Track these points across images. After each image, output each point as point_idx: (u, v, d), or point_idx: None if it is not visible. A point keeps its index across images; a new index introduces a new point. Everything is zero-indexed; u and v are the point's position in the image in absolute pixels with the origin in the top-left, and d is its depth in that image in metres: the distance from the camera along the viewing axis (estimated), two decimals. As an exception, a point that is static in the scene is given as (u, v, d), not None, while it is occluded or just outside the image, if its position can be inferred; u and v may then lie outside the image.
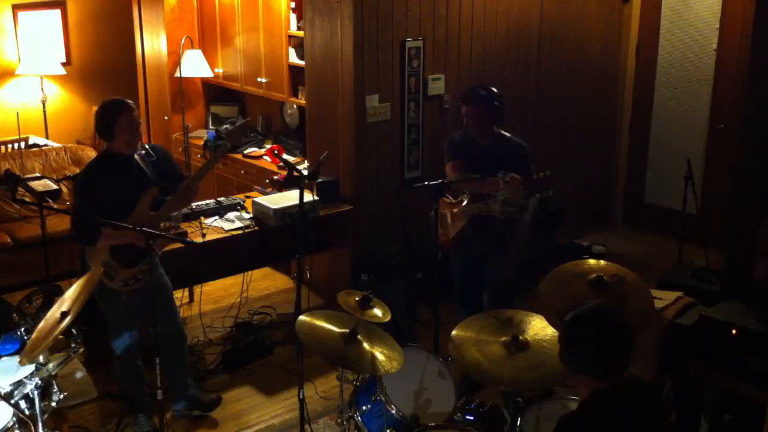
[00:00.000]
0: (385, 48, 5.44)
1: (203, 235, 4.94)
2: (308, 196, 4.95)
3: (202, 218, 5.15)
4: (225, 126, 6.64)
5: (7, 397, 3.17)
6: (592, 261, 3.54)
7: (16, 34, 7.00)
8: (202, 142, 6.82)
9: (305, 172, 4.00)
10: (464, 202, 4.44)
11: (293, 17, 6.20)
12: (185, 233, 4.86)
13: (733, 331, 3.60)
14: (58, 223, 5.75)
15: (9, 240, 5.86)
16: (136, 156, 4.05)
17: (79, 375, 3.74)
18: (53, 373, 3.31)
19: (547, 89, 6.49)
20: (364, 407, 3.56)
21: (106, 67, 7.44)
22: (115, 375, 4.38)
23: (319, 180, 5.35)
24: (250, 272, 5.62)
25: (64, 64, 7.21)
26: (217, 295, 5.85)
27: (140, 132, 4.05)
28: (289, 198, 5.19)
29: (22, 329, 3.52)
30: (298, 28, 6.12)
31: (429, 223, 4.46)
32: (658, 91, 6.94)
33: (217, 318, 5.52)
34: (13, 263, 5.71)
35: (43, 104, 7.16)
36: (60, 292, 3.56)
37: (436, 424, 3.44)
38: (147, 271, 3.92)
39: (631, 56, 7.02)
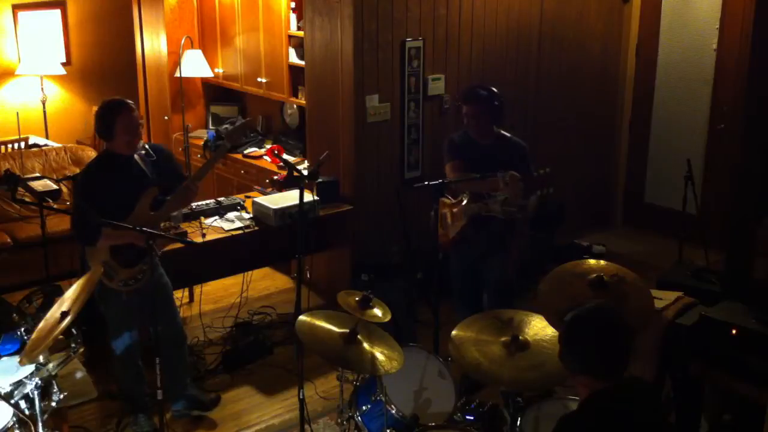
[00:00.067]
0: (385, 48, 5.44)
1: (203, 235, 4.94)
2: (308, 196, 4.95)
3: (202, 218, 5.15)
4: (225, 126, 6.63)
5: (7, 397, 3.17)
6: (592, 261, 3.54)
7: (16, 34, 7.00)
8: (202, 142, 6.82)
9: (305, 172, 4.00)
10: (464, 202, 4.44)
11: (293, 17, 6.20)
12: (185, 233, 4.86)
13: (733, 331, 3.60)
14: (58, 223, 5.76)
15: (9, 240, 5.86)
16: (135, 156, 4.05)
17: (79, 375, 3.73)
18: (53, 373, 3.31)
19: (547, 89, 6.49)
20: (364, 407, 3.56)
21: (106, 67, 7.44)
22: (115, 375, 4.38)
23: (319, 180, 5.35)
24: (250, 272, 5.62)
25: (64, 64, 7.21)
26: (217, 295, 5.85)
27: (140, 132, 4.05)
28: (289, 198, 5.19)
29: (22, 329, 3.52)
30: (298, 28, 6.12)
31: (429, 223, 4.47)
32: (658, 91, 6.94)
33: (217, 318, 5.52)
34: (13, 263, 5.71)
35: (43, 104, 7.16)
36: (60, 292, 3.56)
37: (436, 424, 3.44)
38: (147, 271, 3.92)
39: (631, 56, 7.02)
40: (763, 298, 3.70)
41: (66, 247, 5.14)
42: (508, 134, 4.60)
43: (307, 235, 4.34)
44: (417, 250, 4.90)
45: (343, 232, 5.55)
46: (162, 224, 4.32)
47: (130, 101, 4.00)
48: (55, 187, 5.13)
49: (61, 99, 7.36)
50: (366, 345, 3.38)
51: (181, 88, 6.63)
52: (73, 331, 3.37)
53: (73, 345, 3.40)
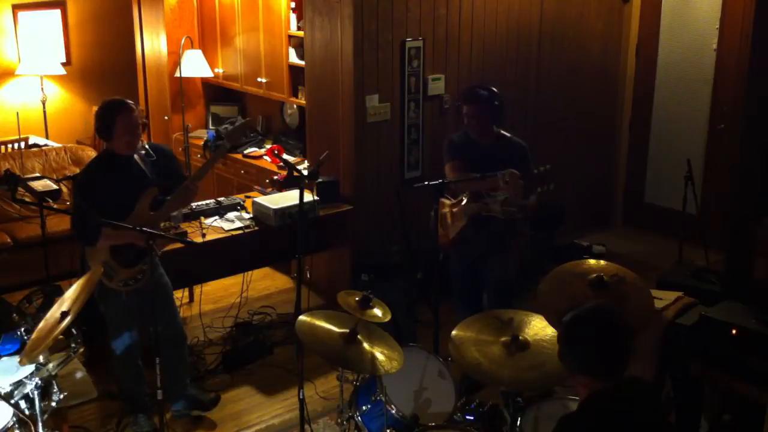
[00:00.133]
0: (385, 48, 5.44)
1: (203, 235, 4.94)
2: (308, 196, 4.94)
3: (202, 218, 5.15)
4: (225, 126, 6.64)
5: (7, 397, 3.18)
6: (592, 261, 3.54)
7: (16, 34, 7.00)
8: (202, 142, 6.82)
9: (305, 172, 4.00)
10: (464, 202, 4.44)
11: (293, 17, 6.20)
12: (185, 233, 4.86)
13: (733, 331, 3.60)
14: (58, 223, 5.76)
15: (9, 240, 5.86)
16: (135, 156, 4.05)
17: (79, 375, 3.74)
18: (53, 373, 3.31)
19: (547, 89, 6.49)
20: (364, 407, 3.56)
21: (106, 67, 7.44)
22: (115, 375, 4.38)
23: (319, 180, 5.35)
24: (250, 272, 5.62)
25: (64, 64, 7.21)
26: (217, 295, 5.85)
27: (140, 132, 4.05)
28: (289, 198, 5.19)
29: (22, 329, 3.52)
30: (298, 28, 6.12)
31: (429, 223, 4.47)
32: (658, 91, 6.94)
33: (217, 318, 5.52)
34: (13, 263, 5.71)
35: (43, 104, 7.16)
36: (60, 292, 3.56)
37: (436, 424, 3.44)
38: (147, 271, 3.92)
39: (631, 56, 7.02)
40: (763, 298, 3.70)
41: (66, 247, 5.14)
42: (508, 134, 4.60)
43: (307, 235, 4.34)
44: (417, 250, 4.90)
45: (343, 232, 5.55)
46: (162, 224, 4.32)
47: (131, 101, 4.00)
48: (55, 187, 5.13)
49: (61, 99, 7.36)
50: (366, 345, 3.38)
51: (181, 88, 6.63)
52: (73, 331, 3.37)
53: (73, 345, 3.40)
